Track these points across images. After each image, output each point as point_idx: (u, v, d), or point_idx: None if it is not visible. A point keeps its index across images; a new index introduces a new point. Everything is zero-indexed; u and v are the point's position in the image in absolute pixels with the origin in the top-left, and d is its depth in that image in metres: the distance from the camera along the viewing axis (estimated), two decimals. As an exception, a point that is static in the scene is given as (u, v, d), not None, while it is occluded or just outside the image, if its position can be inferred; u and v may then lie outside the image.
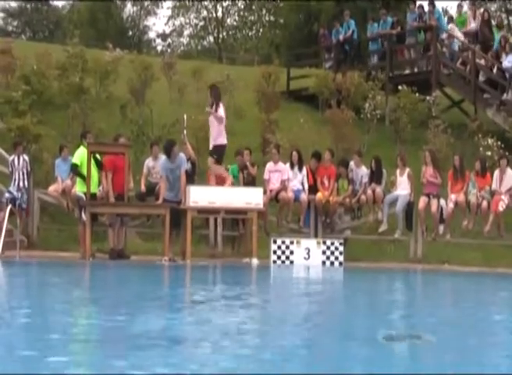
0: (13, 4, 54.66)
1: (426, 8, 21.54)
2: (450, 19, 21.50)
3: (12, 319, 5.78)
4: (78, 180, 13.89)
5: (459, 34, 20.59)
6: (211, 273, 12.54)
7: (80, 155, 13.83)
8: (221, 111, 13.90)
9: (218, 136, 13.93)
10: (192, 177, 14.47)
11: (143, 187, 14.55)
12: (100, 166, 13.87)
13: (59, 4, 56.76)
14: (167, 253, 13.19)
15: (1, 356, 4.28)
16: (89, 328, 5.60)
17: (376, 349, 4.93)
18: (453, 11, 21.91)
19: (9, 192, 14.17)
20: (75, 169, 13.90)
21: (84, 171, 13.51)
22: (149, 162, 14.81)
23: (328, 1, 35.88)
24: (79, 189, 13.80)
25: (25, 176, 14.41)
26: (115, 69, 20.33)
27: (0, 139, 16.46)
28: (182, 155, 13.79)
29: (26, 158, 14.65)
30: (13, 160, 14.47)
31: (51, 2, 55.93)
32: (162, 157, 14.04)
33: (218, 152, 14.00)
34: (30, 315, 5.97)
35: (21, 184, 14.31)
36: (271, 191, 14.83)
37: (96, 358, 4.42)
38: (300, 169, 15.18)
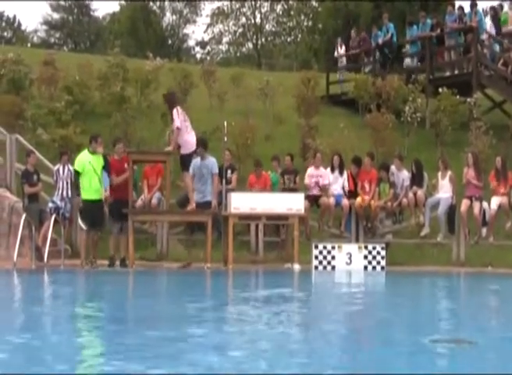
0: (55, 16, 55.54)
1: (466, 10, 21.37)
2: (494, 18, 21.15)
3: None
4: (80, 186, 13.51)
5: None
6: (255, 279, 12.56)
7: (81, 162, 13.54)
8: (176, 121, 13.51)
9: (181, 146, 13.71)
10: None
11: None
12: (108, 170, 13.60)
13: (100, 15, 57.26)
14: (209, 259, 13.26)
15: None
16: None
17: (424, 352, 4.92)
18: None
19: (53, 202, 14.37)
20: (76, 177, 13.60)
21: (86, 177, 13.40)
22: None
23: (367, 5, 35.82)
24: (81, 196, 13.49)
25: (69, 186, 14.56)
26: (155, 77, 20.54)
27: (44, 149, 16.70)
28: (213, 159, 13.86)
29: (71, 168, 14.78)
30: (58, 170, 14.64)
31: (92, 13, 56.63)
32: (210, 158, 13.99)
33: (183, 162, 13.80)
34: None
35: (64, 194, 14.48)
36: (310, 195, 14.83)
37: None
38: (341, 174, 15.17)
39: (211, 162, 13.79)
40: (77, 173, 13.59)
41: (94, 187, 13.43)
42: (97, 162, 13.50)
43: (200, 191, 13.75)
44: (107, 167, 13.61)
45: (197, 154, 13.70)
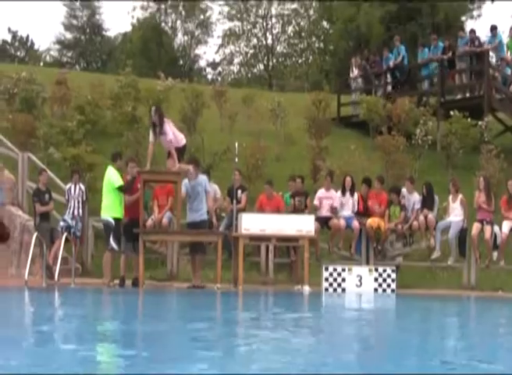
0: (68, 35, 55.91)
1: (477, 33, 21.44)
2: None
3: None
4: (105, 204, 13.52)
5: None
6: (266, 301, 12.53)
7: (116, 177, 13.52)
8: (169, 134, 13.59)
9: (176, 143, 13.80)
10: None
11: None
12: (123, 190, 13.53)
13: (112, 35, 57.64)
14: (219, 280, 13.26)
15: None
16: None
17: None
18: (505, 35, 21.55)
19: (64, 220, 14.41)
20: (125, 190, 13.51)
21: (116, 194, 13.41)
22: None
23: (378, 28, 35.94)
24: (107, 214, 13.49)
25: (80, 205, 14.61)
26: (167, 97, 20.64)
27: (55, 168, 16.78)
28: (204, 176, 13.92)
29: (83, 187, 14.85)
30: (70, 188, 14.69)
31: (104, 33, 57.01)
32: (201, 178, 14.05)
33: (181, 153, 13.97)
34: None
35: (76, 212, 14.52)
36: (320, 217, 14.83)
37: None
38: (352, 195, 15.17)
39: (204, 179, 13.86)
40: (121, 189, 13.40)
41: (122, 206, 13.48)
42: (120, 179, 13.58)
43: (196, 210, 13.74)
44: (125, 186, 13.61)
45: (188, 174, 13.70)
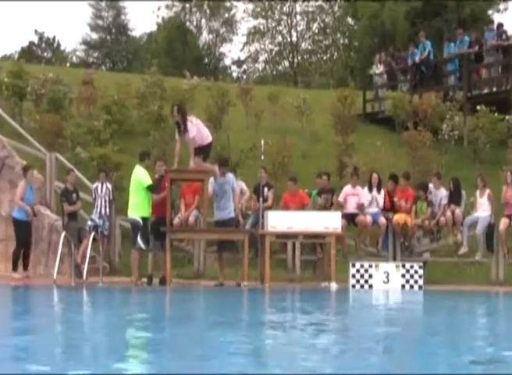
0: (94, 36, 56.28)
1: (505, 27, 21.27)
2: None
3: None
4: (133, 203, 13.54)
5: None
6: (294, 298, 12.53)
7: (144, 176, 13.58)
8: (192, 130, 13.56)
9: (201, 141, 13.79)
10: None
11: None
12: (152, 189, 13.54)
13: (137, 34, 57.90)
14: (246, 277, 13.30)
15: None
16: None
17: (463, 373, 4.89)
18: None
19: (92, 220, 14.52)
20: (153, 189, 13.51)
21: (145, 193, 13.47)
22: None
23: (403, 23, 35.77)
24: (135, 213, 13.53)
25: (107, 204, 14.72)
26: (192, 96, 20.72)
27: (82, 168, 16.90)
28: (231, 175, 13.96)
29: (110, 186, 14.96)
30: (96, 187, 14.80)
31: (129, 33, 57.28)
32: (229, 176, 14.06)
33: (206, 151, 13.93)
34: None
35: (103, 211, 14.63)
36: (347, 213, 14.81)
37: None
38: (379, 192, 15.11)
39: (231, 178, 13.90)
40: (151, 188, 13.43)
41: (149, 205, 13.52)
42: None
43: (224, 208, 13.81)
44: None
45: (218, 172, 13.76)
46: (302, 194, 15.29)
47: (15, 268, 14.18)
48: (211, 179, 13.75)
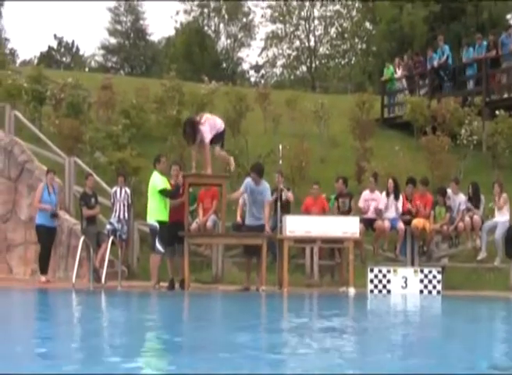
0: (112, 41, 56.57)
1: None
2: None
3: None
4: (150, 208, 13.46)
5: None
6: (311, 303, 12.51)
7: (159, 181, 13.51)
8: (207, 135, 13.22)
9: (216, 131, 13.44)
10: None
11: (239, 218, 14.58)
12: (167, 194, 13.44)
13: (156, 39, 58.13)
14: (263, 282, 13.29)
15: None
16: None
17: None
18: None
19: (110, 224, 14.57)
20: (167, 194, 13.44)
21: (153, 198, 13.42)
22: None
23: (421, 28, 35.69)
24: (152, 218, 13.44)
25: (125, 208, 14.77)
26: (210, 101, 20.77)
27: (101, 172, 16.97)
28: (266, 185, 13.87)
29: (128, 190, 15.00)
30: (115, 192, 14.85)
31: (147, 38, 57.52)
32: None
33: (222, 137, 13.66)
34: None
35: (121, 216, 14.68)
36: (365, 219, 14.79)
37: None
38: (397, 198, 15.06)
39: (266, 188, 13.79)
40: (163, 193, 13.34)
41: (167, 209, 13.49)
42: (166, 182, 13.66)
43: (254, 216, 13.75)
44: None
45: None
46: (322, 199, 15.30)
47: (43, 271, 14.42)
48: (248, 180, 13.71)
